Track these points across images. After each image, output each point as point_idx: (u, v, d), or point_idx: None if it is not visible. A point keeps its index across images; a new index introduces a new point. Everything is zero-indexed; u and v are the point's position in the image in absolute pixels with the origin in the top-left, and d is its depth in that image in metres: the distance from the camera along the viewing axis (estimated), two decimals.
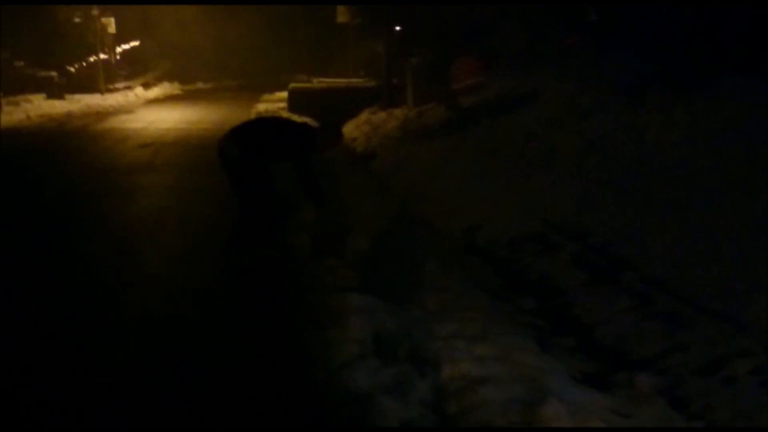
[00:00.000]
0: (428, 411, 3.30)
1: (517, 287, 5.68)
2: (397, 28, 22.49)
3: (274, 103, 22.49)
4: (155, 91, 28.63)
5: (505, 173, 8.52)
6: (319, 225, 6.07)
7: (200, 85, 35.55)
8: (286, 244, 6.10)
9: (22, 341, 4.08)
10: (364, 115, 18.35)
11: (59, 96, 23.23)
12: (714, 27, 10.22)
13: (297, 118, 5.31)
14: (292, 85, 21.94)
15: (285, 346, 4.09)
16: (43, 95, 22.95)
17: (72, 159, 11.06)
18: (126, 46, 31.83)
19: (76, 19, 28.47)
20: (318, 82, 25.09)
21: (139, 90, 27.88)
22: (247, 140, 5.32)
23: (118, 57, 30.53)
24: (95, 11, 25.89)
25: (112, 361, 3.83)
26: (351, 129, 17.48)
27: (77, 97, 23.57)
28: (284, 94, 22.52)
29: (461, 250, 6.78)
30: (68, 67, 26.62)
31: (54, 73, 24.65)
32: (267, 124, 5.72)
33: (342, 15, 31.64)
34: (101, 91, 25.25)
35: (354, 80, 29.30)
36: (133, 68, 33.41)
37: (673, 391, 3.83)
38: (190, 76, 36.08)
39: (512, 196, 7.74)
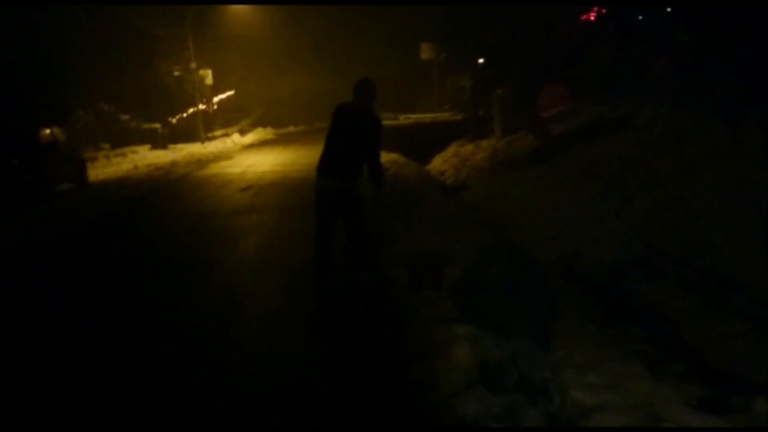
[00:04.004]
0: None
1: (622, 314, 5.57)
2: (481, 60, 22.65)
3: None
4: (250, 137, 29.90)
5: (602, 199, 8.39)
6: (417, 256, 6.18)
7: (292, 128, 36.86)
8: (384, 276, 6.24)
9: (143, 376, 4.35)
10: (451, 148, 18.52)
11: (163, 146, 24.67)
12: None
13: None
14: (385, 122, 22.44)
15: (391, 377, 4.16)
16: (148, 146, 24.44)
17: (180, 204, 11.71)
18: (222, 96, 33.49)
19: (176, 73, 30.27)
20: (404, 119, 25.48)
21: (236, 136, 29.21)
22: (330, 165, 5.48)
23: (215, 106, 32.14)
24: (193, 64, 27.44)
25: (224, 391, 4.02)
26: (439, 162, 17.65)
27: (179, 146, 24.96)
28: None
29: (561, 278, 6.70)
30: (170, 119, 28.22)
31: (157, 125, 26.22)
32: (337, 138, 5.60)
33: (426, 52, 32.30)
34: (201, 140, 26.62)
35: (439, 114, 29.64)
36: (230, 116, 35.07)
37: None
38: (282, 121, 37.50)
39: (611, 221, 7.61)
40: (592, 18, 17.64)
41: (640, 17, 16.17)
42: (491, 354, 4.20)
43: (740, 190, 6.66)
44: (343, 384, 4.11)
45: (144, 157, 21.77)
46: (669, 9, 15.50)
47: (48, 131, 13.68)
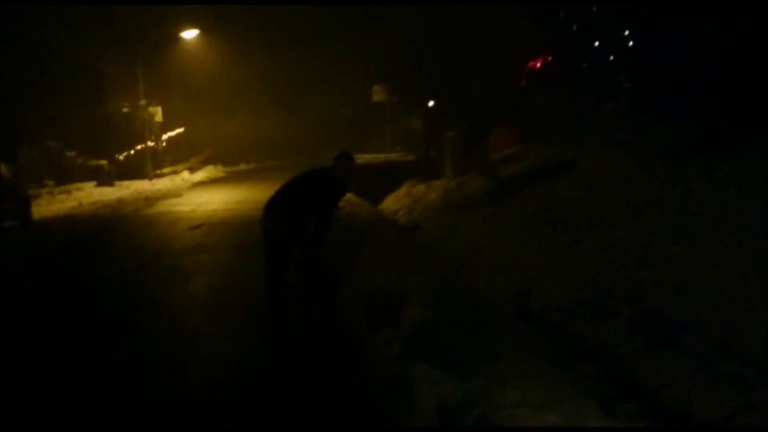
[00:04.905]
0: None
1: (575, 354, 5.66)
2: (431, 103, 23.11)
3: None
4: (200, 175, 29.58)
5: (551, 240, 8.57)
6: (374, 295, 6.18)
7: (243, 166, 36.64)
8: (339, 315, 6.23)
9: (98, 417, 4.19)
10: (404, 188, 18.70)
11: (109, 183, 24.16)
12: (755, 87, 10.29)
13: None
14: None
15: (349, 418, 4.13)
16: (94, 183, 23.89)
17: (127, 243, 11.45)
18: (172, 134, 33.15)
19: (125, 110, 29.91)
20: (357, 159, 25.59)
21: (185, 174, 28.84)
22: (281, 210, 5.65)
23: (164, 144, 31.76)
24: (143, 101, 27.15)
25: None
26: (392, 202, 17.79)
27: (126, 183, 24.47)
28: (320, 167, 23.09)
29: (514, 317, 6.78)
30: (117, 156, 27.75)
31: (104, 162, 25.71)
32: (294, 186, 5.90)
33: (377, 94, 32.75)
34: (149, 177, 26.18)
35: (392, 155, 29.96)
36: (179, 153, 34.69)
37: None
38: (233, 159, 37.27)
39: (561, 262, 7.76)
40: (538, 66, 18.27)
41: (585, 65, 16.80)
42: (449, 394, 4.21)
43: (686, 233, 6.90)
44: (300, 426, 4.05)
45: (89, 194, 21.26)
46: (612, 57, 16.15)
47: None
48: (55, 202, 19.36)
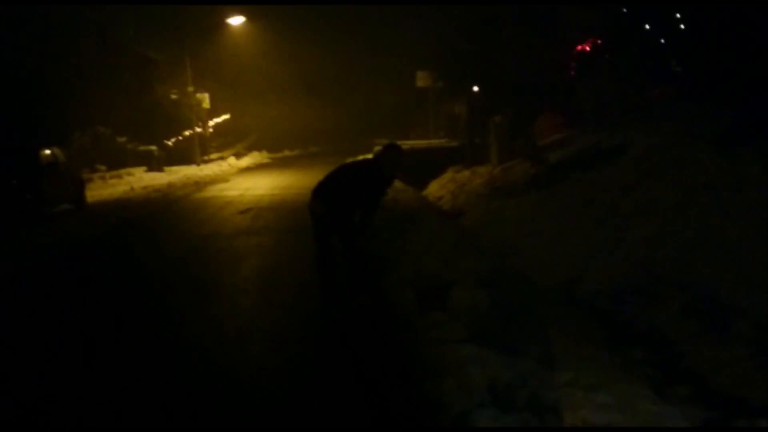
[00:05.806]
0: None
1: (625, 338, 5.66)
2: (476, 88, 22.94)
3: None
4: (246, 161, 30.04)
5: (600, 226, 8.52)
6: (422, 279, 6.25)
7: (287, 152, 37.06)
8: (388, 298, 6.32)
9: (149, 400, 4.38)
10: (447, 174, 18.66)
11: (159, 168, 24.72)
12: None
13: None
14: (376, 148, 22.58)
15: (402, 396, 4.22)
16: (144, 168, 24.45)
17: (180, 226, 11.76)
18: (218, 120, 33.68)
19: (173, 96, 30.45)
20: (400, 144, 25.62)
21: (232, 160, 29.34)
22: (328, 196, 5.72)
23: (211, 130, 32.29)
24: (191, 88, 27.61)
25: (235, 411, 4.05)
26: (436, 188, 17.79)
27: (175, 168, 25.01)
28: (369, 157, 23.19)
29: (562, 302, 6.79)
30: (166, 141, 28.29)
31: (153, 147, 26.27)
32: (342, 174, 5.96)
33: (421, 80, 32.66)
34: (197, 163, 26.70)
35: (435, 141, 29.91)
36: (225, 140, 35.25)
37: None
38: (277, 145, 37.72)
39: (610, 248, 7.72)
40: (588, 48, 17.99)
41: (635, 48, 16.50)
42: (500, 374, 4.27)
43: (740, 219, 6.81)
44: (354, 403, 4.16)
45: (140, 179, 21.79)
46: (662, 41, 15.82)
47: (49, 152, 13.70)
48: (108, 187, 19.90)
